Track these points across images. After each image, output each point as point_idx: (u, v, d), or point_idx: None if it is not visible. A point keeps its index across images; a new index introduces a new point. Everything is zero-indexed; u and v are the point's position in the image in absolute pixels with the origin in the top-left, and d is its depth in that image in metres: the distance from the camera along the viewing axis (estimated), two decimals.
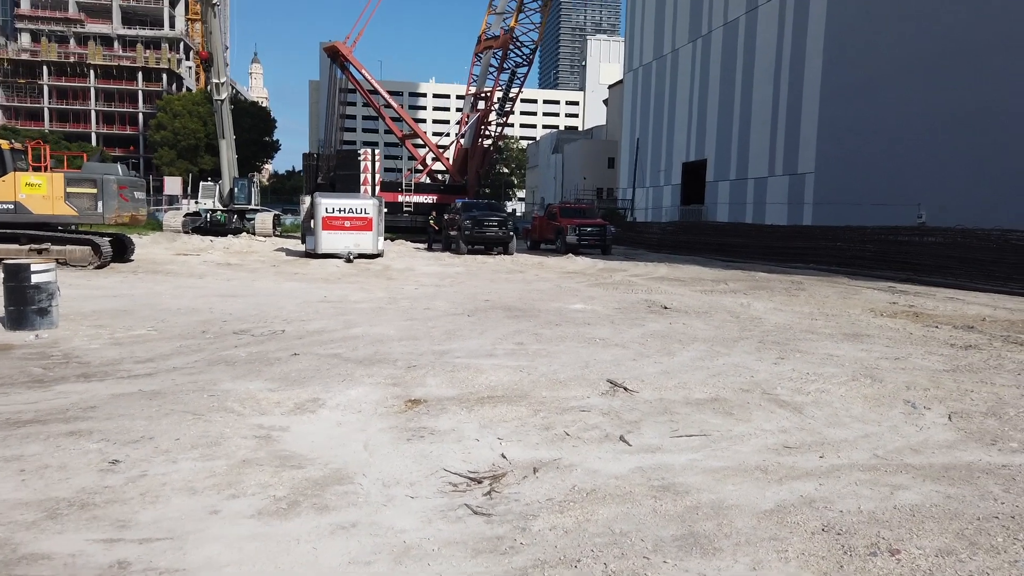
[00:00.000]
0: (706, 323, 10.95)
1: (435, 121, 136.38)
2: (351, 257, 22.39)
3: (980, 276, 19.27)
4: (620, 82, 67.14)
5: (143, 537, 3.62)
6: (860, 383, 7.03)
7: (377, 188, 35.85)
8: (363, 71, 41.09)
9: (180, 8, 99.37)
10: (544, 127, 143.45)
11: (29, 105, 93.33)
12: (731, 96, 42.54)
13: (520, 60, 41.84)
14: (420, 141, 45.35)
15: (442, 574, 3.33)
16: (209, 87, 35.42)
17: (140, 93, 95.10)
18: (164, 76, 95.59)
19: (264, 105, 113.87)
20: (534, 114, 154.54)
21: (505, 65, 41.48)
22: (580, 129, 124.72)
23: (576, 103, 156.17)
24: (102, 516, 3.84)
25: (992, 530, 3.84)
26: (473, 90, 43.00)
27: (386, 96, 42.99)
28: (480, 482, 4.44)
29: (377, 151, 37.82)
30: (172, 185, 51.00)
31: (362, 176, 35.30)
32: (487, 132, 42.56)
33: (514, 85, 42.15)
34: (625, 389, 6.68)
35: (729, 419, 5.83)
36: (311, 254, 23.01)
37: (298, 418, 5.69)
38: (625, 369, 7.54)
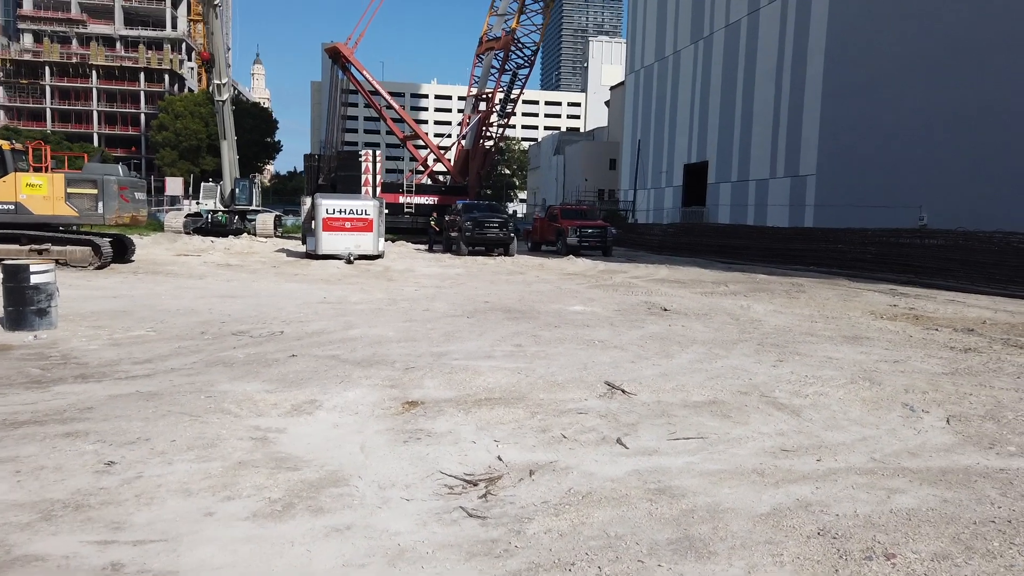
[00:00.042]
0: (705, 325, 10.94)
1: (437, 122, 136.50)
2: (351, 258, 22.40)
3: (981, 279, 19.24)
4: (622, 83, 67.16)
5: (137, 539, 3.61)
6: (858, 386, 7.01)
7: (378, 189, 35.87)
8: (364, 72, 41.12)
9: (182, 9, 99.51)
10: (546, 128, 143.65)
11: (31, 105, 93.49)
12: (733, 98, 42.54)
13: (521, 61, 41.86)
14: (421, 142, 45.39)
15: None
16: (211, 88, 35.46)
17: (142, 94, 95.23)
18: (166, 77, 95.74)
19: (266, 106, 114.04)
20: (536, 115, 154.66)
21: (506, 66, 41.49)
22: (582, 130, 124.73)
23: (578, 104, 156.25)
24: (96, 518, 3.84)
25: (988, 534, 3.83)
26: (474, 91, 43.01)
27: (387, 97, 43.02)
28: (476, 484, 4.44)
29: (378, 152, 37.81)
30: (173, 186, 51.05)
31: (363, 177, 35.31)
32: (488, 133, 42.58)
33: (515, 86, 42.15)
34: (623, 391, 6.67)
35: (726, 422, 5.82)
36: (312, 255, 23.01)
37: (295, 420, 5.69)
38: (623, 371, 7.53)
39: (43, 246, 17.03)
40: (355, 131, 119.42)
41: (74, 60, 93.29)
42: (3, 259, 13.53)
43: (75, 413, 5.62)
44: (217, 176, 38.27)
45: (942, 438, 5.51)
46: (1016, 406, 6.42)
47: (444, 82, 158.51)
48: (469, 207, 29.19)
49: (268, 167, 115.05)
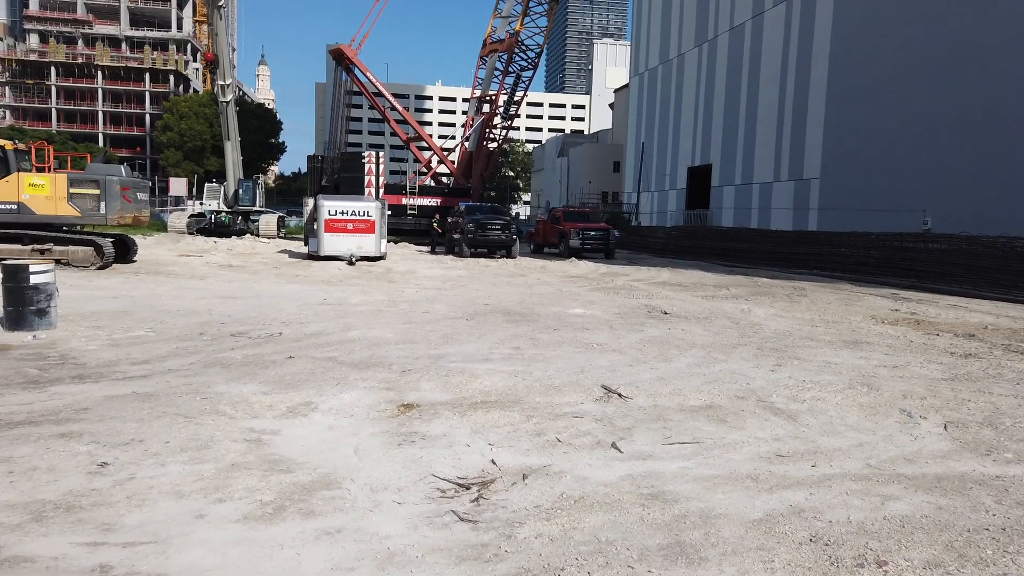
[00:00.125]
0: (705, 329, 10.91)
1: (441, 124, 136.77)
2: (353, 259, 22.41)
3: (985, 284, 19.16)
4: (626, 86, 67.14)
5: (127, 541, 3.61)
6: (856, 391, 6.99)
7: (381, 191, 35.92)
8: (368, 73, 41.21)
9: (188, 10, 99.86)
10: (550, 130, 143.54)
11: (37, 106, 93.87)
12: (737, 101, 42.48)
13: (525, 64, 41.93)
14: (424, 144, 45.46)
15: None
16: (215, 89, 35.52)
17: (147, 94, 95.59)
18: (171, 77, 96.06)
19: (271, 107, 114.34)
20: (540, 117, 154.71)
21: (510, 69, 41.57)
22: (586, 133, 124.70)
23: (582, 107, 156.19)
24: (87, 519, 3.84)
25: (982, 542, 3.81)
26: (478, 93, 43.08)
27: (390, 98, 43.09)
28: (468, 488, 4.43)
29: (381, 154, 37.88)
30: (177, 186, 51.17)
31: (366, 179, 35.37)
32: (492, 135, 42.64)
33: (519, 89, 42.22)
34: (619, 395, 6.65)
35: (723, 426, 5.80)
36: (314, 256, 23.04)
37: (290, 422, 5.68)
38: (621, 375, 7.52)
39: (45, 246, 17.08)
40: (359, 132, 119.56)
41: (79, 60, 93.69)
42: (5, 259, 13.58)
43: (71, 414, 5.63)
44: (221, 177, 38.35)
45: (939, 444, 5.48)
46: (1014, 412, 6.39)
47: (449, 84, 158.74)
48: (472, 209, 29.21)
49: (272, 168, 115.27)
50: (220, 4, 32.17)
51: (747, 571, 3.45)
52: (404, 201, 38.54)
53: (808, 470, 4.86)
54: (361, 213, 22.92)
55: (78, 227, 18.51)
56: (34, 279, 8.93)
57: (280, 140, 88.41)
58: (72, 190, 16.96)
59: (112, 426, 5.34)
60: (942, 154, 27.32)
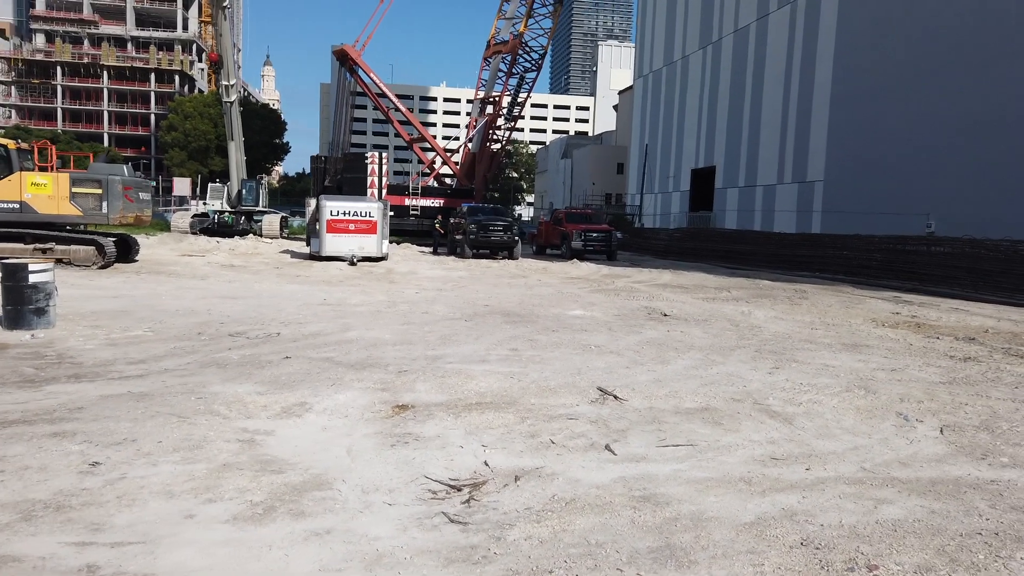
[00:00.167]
0: (704, 331, 10.89)
1: (445, 125, 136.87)
2: (355, 260, 22.42)
3: (987, 287, 19.10)
4: (630, 88, 67.11)
5: (115, 541, 3.61)
6: (854, 394, 6.96)
7: (384, 191, 35.95)
8: (371, 74, 41.26)
9: (193, 10, 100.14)
10: (554, 132, 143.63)
11: (43, 105, 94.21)
12: (741, 103, 42.45)
13: (529, 65, 41.93)
14: (428, 145, 45.49)
15: None
16: (219, 89, 35.61)
17: (152, 94, 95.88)
18: (176, 78, 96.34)
19: (275, 108, 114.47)
20: (544, 119, 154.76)
21: (514, 70, 41.58)
22: (590, 134, 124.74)
23: (587, 108, 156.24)
24: (77, 519, 3.83)
25: (974, 547, 3.78)
26: (482, 95, 43.10)
27: (394, 99, 43.14)
28: (460, 490, 4.42)
29: (384, 154, 37.90)
30: (181, 186, 51.31)
31: (369, 179, 35.39)
32: (495, 137, 42.64)
33: (523, 90, 42.22)
34: (615, 397, 6.63)
35: (717, 429, 5.78)
36: (315, 256, 23.06)
37: (284, 422, 5.68)
38: (617, 377, 7.50)
39: (47, 245, 17.11)
40: (363, 133, 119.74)
41: (85, 60, 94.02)
42: (7, 258, 13.62)
43: (65, 413, 5.63)
44: (225, 177, 38.42)
45: (934, 448, 5.45)
46: (1011, 416, 6.35)
47: (453, 85, 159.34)
48: (474, 210, 29.21)
49: (277, 168, 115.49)
50: (224, 5, 32.25)
51: (737, 574, 3.44)
52: (407, 202, 38.57)
53: (802, 473, 4.84)
54: (363, 214, 22.92)
55: (80, 226, 18.55)
56: (33, 278, 8.94)
57: (284, 141, 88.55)
58: (74, 189, 16.99)
59: (105, 425, 5.34)
60: (946, 157, 27.25)
